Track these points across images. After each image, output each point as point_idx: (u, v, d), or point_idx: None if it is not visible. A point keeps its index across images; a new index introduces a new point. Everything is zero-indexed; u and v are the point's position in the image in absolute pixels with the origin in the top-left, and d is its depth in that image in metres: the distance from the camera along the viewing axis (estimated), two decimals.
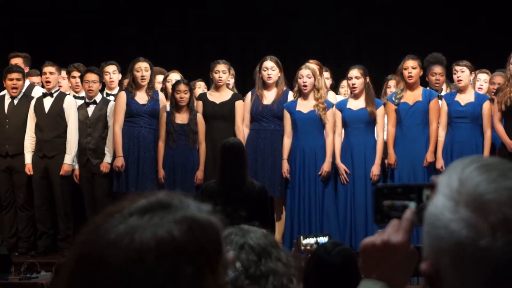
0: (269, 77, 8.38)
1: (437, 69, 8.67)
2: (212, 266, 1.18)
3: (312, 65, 8.47)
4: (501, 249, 1.14)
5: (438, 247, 1.20)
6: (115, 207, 1.21)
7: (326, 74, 9.04)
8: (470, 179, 1.20)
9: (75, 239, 1.21)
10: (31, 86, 9.13)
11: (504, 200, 1.16)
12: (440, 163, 8.01)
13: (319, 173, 8.14)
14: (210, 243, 1.19)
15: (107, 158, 8.48)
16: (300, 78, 8.23)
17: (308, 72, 8.22)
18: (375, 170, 8.15)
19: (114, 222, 1.19)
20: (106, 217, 1.20)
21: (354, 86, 8.25)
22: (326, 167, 8.14)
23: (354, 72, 8.28)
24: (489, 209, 1.16)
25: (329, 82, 9.13)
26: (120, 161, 8.31)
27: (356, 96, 8.30)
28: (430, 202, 1.26)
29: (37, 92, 9.00)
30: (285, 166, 8.20)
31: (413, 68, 8.21)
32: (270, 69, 8.39)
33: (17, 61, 9.34)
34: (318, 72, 8.36)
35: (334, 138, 8.24)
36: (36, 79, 9.39)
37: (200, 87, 9.22)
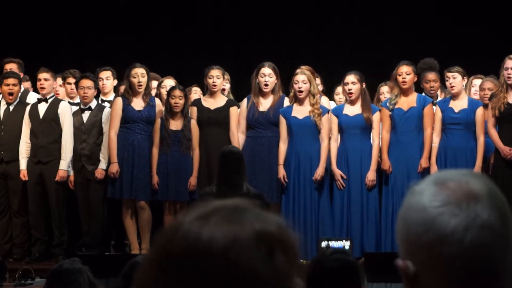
0: (266, 84, 8.37)
1: (431, 75, 8.69)
2: (296, 267, 1.24)
3: (307, 71, 8.47)
4: (445, 210, 1.29)
5: (408, 224, 1.31)
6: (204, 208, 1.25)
7: (317, 80, 9.03)
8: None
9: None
10: (26, 92, 9.12)
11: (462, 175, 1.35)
12: (434, 169, 8.02)
13: (314, 177, 8.14)
14: (296, 243, 1.26)
15: (102, 165, 8.47)
16: (295, 84, 8.24)
17: (304, 77, 8.23)
18: (370, 176, 8.16)
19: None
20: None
21: (351, 91, 8.27)
22: (320, 171, 8.14)
23: (351, 78, 8.29)
24: (449, 180, 1.33)
25: (320, 88, 9.12)
26: (114, 167, 8.31)
27: (352, 102, 8.31)
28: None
29: (32, 98, 8.99)
30: (281, 171, 8.20)
31: (407, 74, 8.23)
32: (268, 75, 8.39)
33: (11, 66, 9.33)
34: (313, 78, 8.37)
35: (330, 143, 8.26)
36: (26, 84, 9.39)
37: (196, 92, 9.20)
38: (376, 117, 8.24)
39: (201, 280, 1.16)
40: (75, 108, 8.76)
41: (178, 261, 1.18)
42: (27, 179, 8.59)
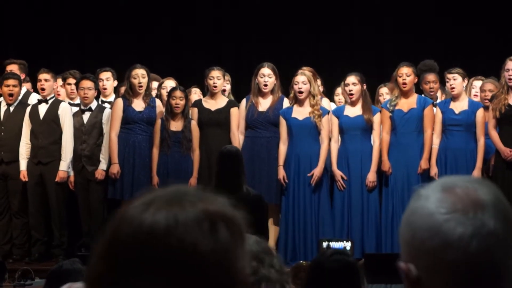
0: (265, 85, 8.38)
1: (430, 77, 8.68)
2: (242, 242, 1.25)
3: (308, 72, 8.47)
4: (452, 217, 1.29)
5: (413, 228, 1.33)
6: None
7: (318, 82, 9.02)
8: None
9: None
10: (28, 93, 9.12)
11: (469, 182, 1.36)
12: (434, 171, 8.03)
13: (309, 175, 8.12)
14: (241, 220, 1.28)
15: (102, 165, 8.47)
16: (295, 84, 8.24)
17: (304, 78, 8.22)
18: (371, 177, 8.15)
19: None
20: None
21: (351, 92, 8.26)
22: (317, 171, 8.13)
23: (351, 79, 8.29)
24: (456, 186, 1.34)
25: (320, 89, 9.11)
26: (115, 168, 8.31)
27: (353, 103, 8.30)
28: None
29: (33, 99, 8.98)
30: (281, 172, 8.20)
31: (407, 75, 8.22)
32: (267, 76, 8.39)
33: (12, 67, 9.31)
34: (313, 79, 8.37)
35: (330, 144, 8.25)
36: (27, 85, 9.38)
37: (195, 93, 9.21)
38: (376, 118, 8.24)
39: (148, 263, 1.20)
40: (76, 109, 8.76)
41: (125, 247, 1.22)
42: (27, 179, 8.59)
